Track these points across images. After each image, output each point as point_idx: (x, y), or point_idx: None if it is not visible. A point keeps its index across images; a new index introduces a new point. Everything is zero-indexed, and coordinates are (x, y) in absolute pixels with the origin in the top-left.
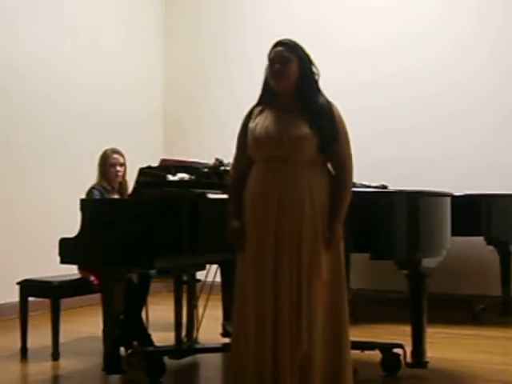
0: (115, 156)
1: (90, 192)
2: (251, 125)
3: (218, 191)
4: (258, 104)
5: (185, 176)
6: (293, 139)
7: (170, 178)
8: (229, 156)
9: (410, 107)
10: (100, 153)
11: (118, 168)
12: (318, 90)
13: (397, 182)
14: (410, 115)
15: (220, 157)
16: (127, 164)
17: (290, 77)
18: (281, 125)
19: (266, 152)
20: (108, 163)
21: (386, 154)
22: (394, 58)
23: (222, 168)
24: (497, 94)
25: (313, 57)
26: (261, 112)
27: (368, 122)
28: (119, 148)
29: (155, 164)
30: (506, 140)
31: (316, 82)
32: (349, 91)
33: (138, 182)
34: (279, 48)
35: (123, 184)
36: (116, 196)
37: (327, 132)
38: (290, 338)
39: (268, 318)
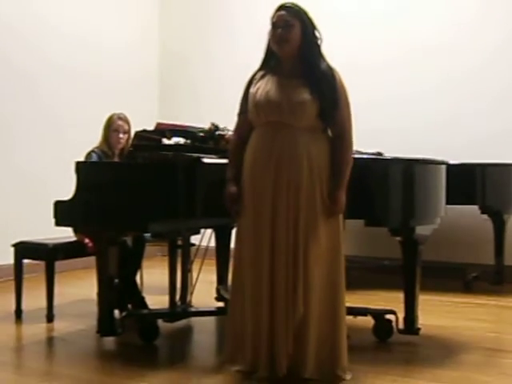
0: (120, 123)
1: (88, 155)
2: (252, 90)
3: (214, 156)
4: (260, 69)
5: (180, 140)
6: (292, 104)
7: (166, 141)
8: (225, 117)
9: (407, 74)
10: (94, 114)
11: (121, 135)
12: (321, 55)
13: (392, 150)
14: (408, 83)
15: (215, 122)
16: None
17: (293, 42)
18: (281, 90)
19: (266, 117)
20: (112, 128)
21: (382, 120)
22: (390, 27)
23: (218, 133)
24: (491, 62)
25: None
26: (262, 77)
27: (365, 88)
28: (115, 108)
29: (150, 127)
30: (503, 109)
31: (319, 46)
32: (345, 59)
33: (132, 145)
34: (282, 12)
35: (125, 150)
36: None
37: (328, 98)
38: (286, 302)
39: (265, 282)
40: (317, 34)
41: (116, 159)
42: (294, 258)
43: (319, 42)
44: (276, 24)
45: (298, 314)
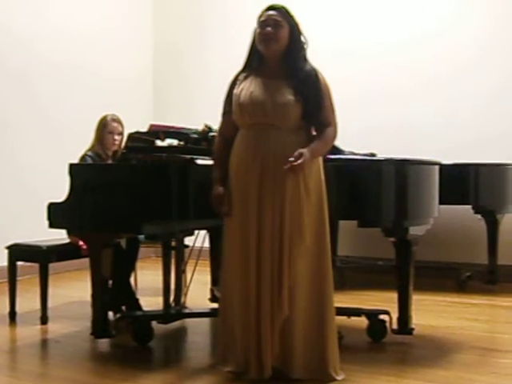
0: (114, 125)
1: (82, 158)
2: (236, 91)
3: (207, 157)
4: (243, 69)
5: (174, 142)
6: (277, 106)
7: (159, 143)
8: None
9: (401, 75)
10: (89, 114)
11: (116, 137)
12: (305, 59)
13: (385, 151)
14: (401, 83)
15: (209, 123)
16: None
17: (280, 42)
18: (266, 91)
19: (251, 118)
20: (106, 130)
21: (375, 121)
22: (385, 24)
23: (211, 134)
24: (486, 59)
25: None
26: (246, 78)
27: (357, 89)
28: (109, 107)
29: (144, 128)
30: (496, 110)
31: (304, 50)
32: (337, 58)
33: (126, 147)
34: (272, 12)
35: (118, 152)
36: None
37: (312, 100)
38: (271, 303)
39: (251, 284)
40: (302, 39)
41: (109, 161)
42: (280, 258)
43: (305, 46)
44: (265, 23)
45: (282, 315)
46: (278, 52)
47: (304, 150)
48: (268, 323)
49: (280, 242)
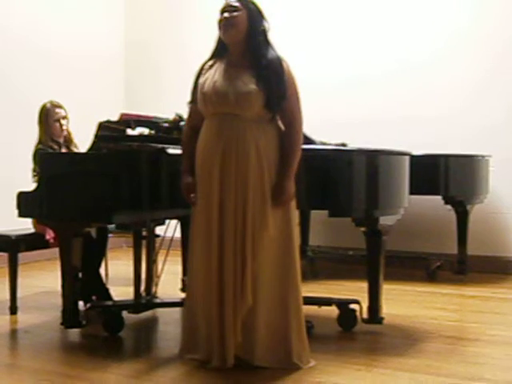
0: (58, 110)
1: (35, 155)
2: (201, 80)
3: (178, 146)
4: (209, 59)
5: (144, 130)
6: (238, 95)
7: (130, 132)
8: None
9: (373, 65)
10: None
11: (64, 122)
12: (268, 44)
13: (356, 141)
14: (372, 74)
15: (180, 112)
16: (86, 112)
17: (238, 27)
18: (228, 80)
19: (214, 108)
20: (51, 119)
21: (346, 112)
22: (360, 15)
23: (182, 123)
24: (463, 51)
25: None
26: (211, 66)
27: (329, 80)
28: (79, 95)
29: (115, 118)
30: (470, 103)
31: (265, 35)
32: (311, 50)
33: (96, 136)
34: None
35: (68, 136)
36: (64, 151)
37: (274, 88)
38: (234, 292)
39: (214, 273)
40: (264, 23)
41: (63, 149)
42: (242, 248)
43: (267, 30)
44: (222, 9)
45: (246, 305)
46: (237, 38)
47: (286, 184)
48: (231, 313)
49: (243, 232)
